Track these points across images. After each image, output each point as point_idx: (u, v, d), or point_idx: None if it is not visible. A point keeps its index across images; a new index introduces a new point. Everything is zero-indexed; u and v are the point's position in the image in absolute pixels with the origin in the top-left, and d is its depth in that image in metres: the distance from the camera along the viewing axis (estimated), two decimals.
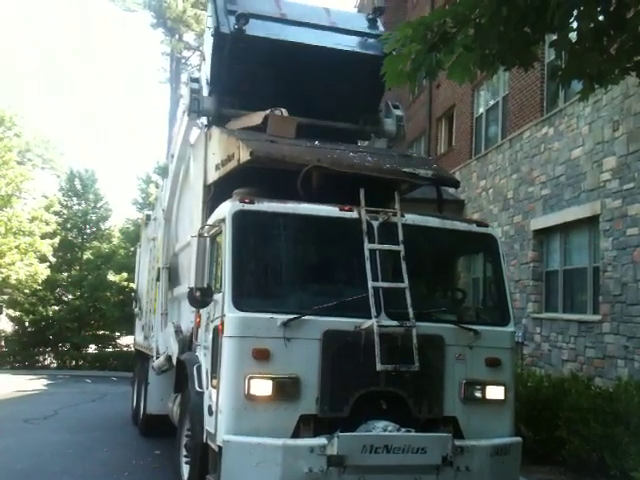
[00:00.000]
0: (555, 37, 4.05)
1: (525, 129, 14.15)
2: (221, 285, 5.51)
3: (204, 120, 7.78)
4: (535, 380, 8.84)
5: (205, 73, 8.16)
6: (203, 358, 6.04)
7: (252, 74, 7.40)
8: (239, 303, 5.28)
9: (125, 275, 25.29)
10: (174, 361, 7.50)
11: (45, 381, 19.93)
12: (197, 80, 7.80)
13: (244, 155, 6.09)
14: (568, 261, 12.53)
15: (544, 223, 13.03)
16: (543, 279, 13.26)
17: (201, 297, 5.68)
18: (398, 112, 8.28)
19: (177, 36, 35.64)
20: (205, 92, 7.85)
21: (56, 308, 26.43)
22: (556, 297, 12.69)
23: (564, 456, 7.61)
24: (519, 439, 5.85)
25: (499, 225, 14.78)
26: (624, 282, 10.22)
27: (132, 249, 23.80)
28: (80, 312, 25.98)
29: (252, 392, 5.07)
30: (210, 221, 6.22)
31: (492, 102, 16.77)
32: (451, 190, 16.11)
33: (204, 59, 8.61)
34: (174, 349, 7.48)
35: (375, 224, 5.75)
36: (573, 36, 4.06)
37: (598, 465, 7.19)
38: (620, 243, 10.42)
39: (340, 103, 7.59)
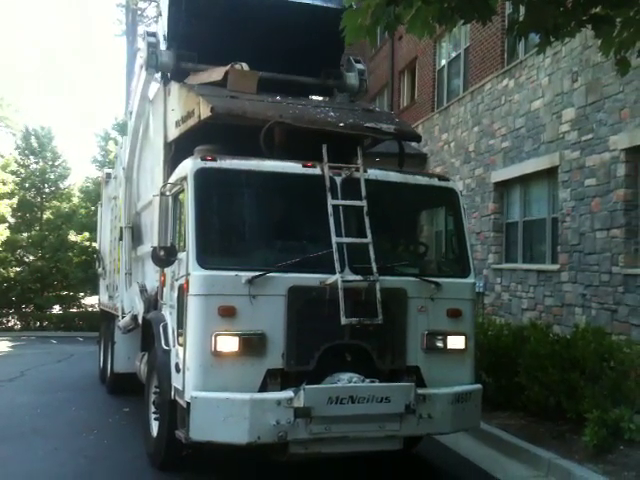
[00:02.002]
0: None
1: (486, 81, 14.21)
2: (185, 244, 5.50)
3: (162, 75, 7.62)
4: (495, 329, 9.06)
5: (162, 27, 7.94)
6: (169, 317, 6.07)
7: (211, 28, 7.24)
8: (203, 261, 5.28)
9: (87, 235, 24.91)
10: (140, 320, 7.51)
11: (9, 343, 19.73)
12: (154, 34, 7.58)
13: (204, 111, 6.01)
14: (528, 212, 12.77)
15: (504, 175, 13.21)
16: (503, 230, 13.52)
17: (165, 256, 5.67)
18: (360, 66, 8.20)
19: None
20: (163, 46, 7.62)
21: (17, 269, 25.98)
22: (516, 248, 12.97)
23: (523, 401, 7.86)
24: (479, 386, 6.04)
25: (461, 178, 14.93)
26: (582, 232, 10.48)
27: (93, 208, 23.41)
28: (42, 273, 25.59)
29: (219, 349, 5.13)
30: (172, 179, 6.16)
31: (454, 54, 16.75)
32: (414, 144, 16.22)
33: (161, 13, 8.39)
34: (139, 308, 7.47)
35: (338, 180, 5.76)
36: None
37: (556, 409, 7.45)
38: (578, 194, 10.64)
39: (301, 57, 7.49)
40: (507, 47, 13.58)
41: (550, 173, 11.65)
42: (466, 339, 5.91)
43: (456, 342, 5.85)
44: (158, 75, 7.59)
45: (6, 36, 63.35)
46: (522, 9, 4.25)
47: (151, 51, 7.28)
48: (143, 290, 7.43)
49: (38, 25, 71.19)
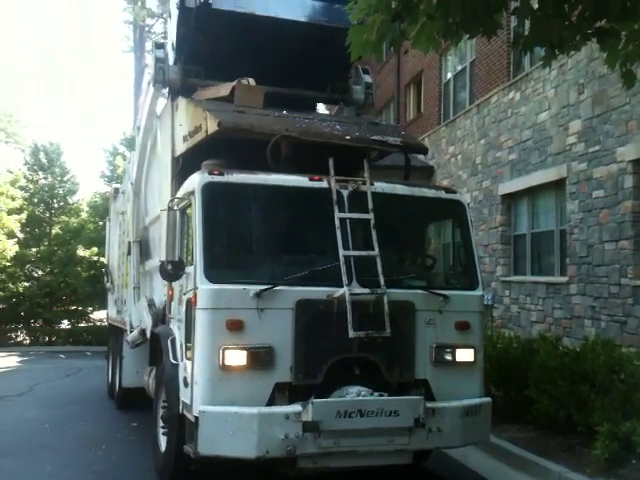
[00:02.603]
0: (517, 4, 4.08)
1: (492, 94, 14.23)
2: (192, 258, 5.52)
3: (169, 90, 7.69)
4: (504, 341, 9.03)
5: (171, 41, 8.05)
6: (177, 331, 6.07)
7: (218, 45, 7.32)
8: (211, 275, 5.30)
9: (95, 250, 25.01)
10: (148, 334, 7.52)
11: (18, 358, 19.78)
12: (162, 46, 7.67)
13: (212, 126, 6.05)
14: (535, 224, 12.74)
15: (512, 187, 13.19)
16: (511, 243, 13.48)
17: (173, 270, 5.70)
18: (368, 78, 8.22)
19: (140, 3, 34.81)
20: (171, 61, 7.75)
21: (26, 284, 26.07)
22: (524, 260, 12.92)
23: (533, 414, 7.80)
24: (489, 399, 6.01)
25: (468, 190, 14.92)
26: (590, 244, 10.44)
27: (101, 223, 23.50)
28: (51, 288, 25.68)
29: (227, 363, 5.13)
30: (179, 194, 6.20)
31: (460, 67, 16.79)
32: (420, 156, 16.25)
33: (169, 29, 8.46)
34: (148, 322, 7.48)
35: (345, 193, 5.78)
36: (535, 3, 4.09)
37: (566, 422, 7.39)
38: (586, 205, 10.61)
39: (307, 72, 7.55)
40: (513, 60, 13.60)
41: (558, 185, 11.63)
42: (475, 352, 5.89)
43: (465, 355, 5.83)
44: (165, 91, 7.66)
45: (6, 36, 63.75)
46: (527, 23, 4.26)
47: (159, 67, 7.37)
48: (151, 304, 7.45)
49: (38, 25, 71.57)
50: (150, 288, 8.15)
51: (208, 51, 7.39)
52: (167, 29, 8.32)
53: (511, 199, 13.49)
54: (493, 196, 13.96)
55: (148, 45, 34.90)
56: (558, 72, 11.56)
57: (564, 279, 11.17)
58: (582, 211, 10.72)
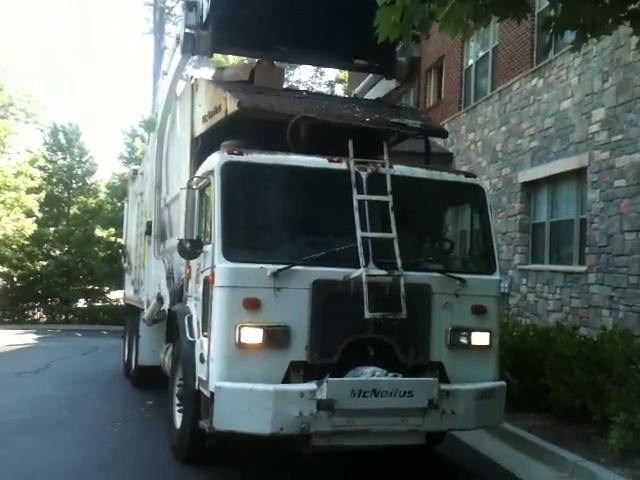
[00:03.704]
0: None
1: (514, 80, 14.07)
2: (211, 236, 5.54)
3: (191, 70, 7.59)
4: (521, 330, 8.99)
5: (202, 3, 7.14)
6: (194, 308, 6.11)
7: (254, 10, 6.77)
8: (229, 254, 5.31)
9: (112, 230, 25.21)
10: (165, 303, 7.52)
11: (35, 335, 20.01)
12: (194, 6, 6.89)
13: (231, 106, 6.04)
14: (555, 213, 12.62)
15: (532, 175, 13.07)
16: (530, 231, 13.37)
17: (191, 248, 5.71)
18: (415, 52, 7.90)
19: None
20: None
21: (44, 263, 26.37)
22: (542, 249, 12.82)
23: (549, 403, 7.77)
24: (503, 383, 5.99)
25: (487, 178, 14.79)
26: (610, 233, 10.33)
27: (119, 204, 23.66)
28: (68, 267, 25.92)
29: (243, 340, 5.15)
30: (199, 173, 6.21)
31: (482, 53, 16.61)
32: (440, 143, 16.15)
33: None
34: (164, 289, 7.49)
35: (364, 175, 5.76)
36: None
37: (581, 411, 7.35)
38: (607, 195, 10.49)
39: (348, 39, 7.27)
40: (536, 46, 13.43)
41: (579, 174, 11.50)
42: (491, 336, 5.86)
43: (480, 339, 5.80)
44: (190, 67, 7.53)
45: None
46: (558, 6, 4.19)
47: (188, 33, 6.83)
48: (170, 277, 7.44)
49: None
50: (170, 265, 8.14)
51: (242, 17, 6.84)
52: None
53: (531, 187, 13.37)
54: (513, 184, 13.85)
55: (168, 27, 34.93)
56: (582, 59, 11.40)
57: (583, 268, 11.07)
58: (603, 200, 10.60)
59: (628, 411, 6.36)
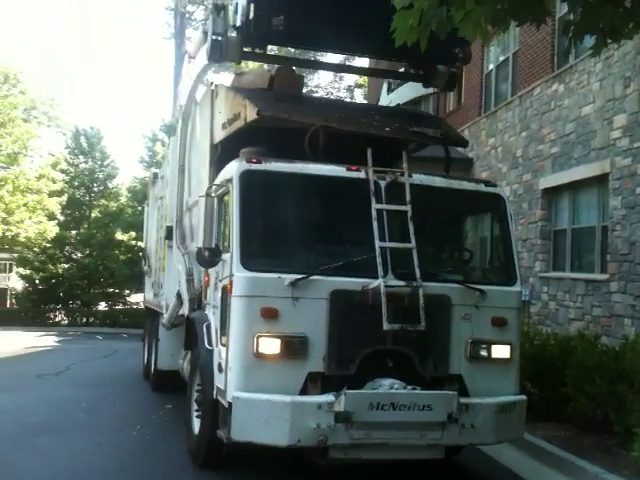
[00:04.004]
0: None
1: (535, 86, 13.95)
2: (229, 245, 5.54)
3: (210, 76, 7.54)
4: (541, 338, 8.89)
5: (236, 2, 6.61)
6: (212, 317, 6.12)
7: (298, 5, 6.32)
8: (247, 263, 5.31)
9: (133, 234, 25.41)
10: (185, 307, 7.49)
11: (56, 338, 20.23)
12: (223, 9, 6.43)
13: (250, 114, 6.05)
14: (576, 220, 12.48)
15: (553, 182, 12.94)
16: (551, 238, 13.24)
17: (209, 257, 5.72)
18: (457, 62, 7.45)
19: None
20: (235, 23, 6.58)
21: (66, 266, 26.69)
22: (564, 256, 12.69)
23: (569, 413, 7.67)
24: (524, 397, 5.92)
25: (507, 184, 14.69)
26: (632, 241, 10.20)
27: (139, 208, 23.85)
28: (89, 270, 26.21)
29: (260, 350, 5.15)
30: (217, 181, 6.22)
31: (502, 58, 16.49)
32: (460, 149, 16.05)
33: None
34: (184, 290, 7.49)
35: (382, 184, 5.73)
36: None
37: (602, 422, 7.25)
38: (629, 202, 10.36)
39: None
40: (557, 51, 13.31)
41: (600, 180, 11.37)
42: (511, 348, 5.80)
43: (501, 351, 5.74)
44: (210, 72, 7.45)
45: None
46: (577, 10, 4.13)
47: (216, 40, 6.44)
48: (190, 279, 7.40)
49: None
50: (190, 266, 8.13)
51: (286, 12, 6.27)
52: None
53: (552, 193, 13.24)
54: (533, 190, 13.72)
55: (189, 32, 35.12)
56: (604, 65, 11.28)
57: (604, 276, 10.94)
58: (625, 207, 10.46)
59: None
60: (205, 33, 6.80)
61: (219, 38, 6.43)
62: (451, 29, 4.17)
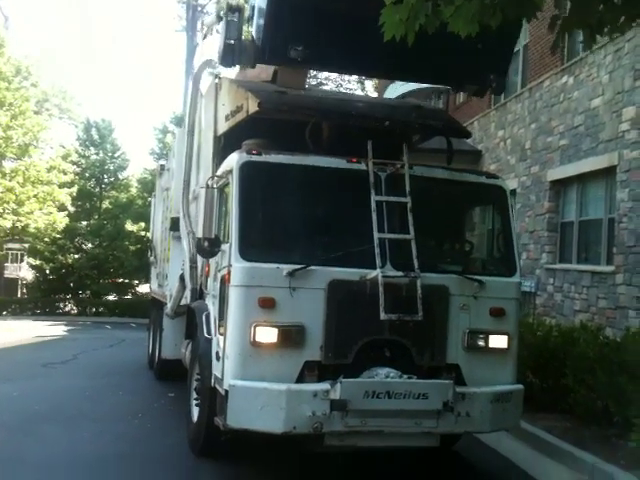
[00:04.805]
0: None
1: (545, 78, 13.88)
2: (228, 235, 5.59)
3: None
4: (544, 329, 8.90)
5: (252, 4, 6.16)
6: (212, 306, 6.18)
7: (324, 24, 5.63)
8: (246, 253, 5.35)
9: (143, 225, 25.56)
10: (187, 291, 7.53)
11: (65, 327, 20.39)
12: (238, 11, 5.88)
13: (252, 106, 6.07)
14: (584, 212, 12.43)
15: (561, 174, 12.89)
16: (558, 230, 13.20)
17: (209, 247, 5.77)
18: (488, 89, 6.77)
19: None
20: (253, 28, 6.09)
21: (76, 256, 26.88)
22: (570, 248, 12.65)
23: (570, 404, 7.68)
24: (520, 387, 5.94)
25: (516, 176, 14.65)
26: (639, 233, 10.16)
27: (149, 199, 23.95)
28: (99, 260, 26.39)
29: (257, 339, 5.19)
30: (218, 172, 6.27)
31: None
32: (468, 140, 16.00)
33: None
34: (187, 275, 7.52)
35: (382, 176, 5.75)
36: None
37: (602, 413, 7.26)
38: (636, 194, 10.31)
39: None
40: (567, 43, 13.23)
41: (608, 172, 11.31)
42: (509, 339, 5.81)
43: (498, 341, 5.76)
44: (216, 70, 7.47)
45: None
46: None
47: (228, 44, 5.90)
48: (194, 266, 7.38)
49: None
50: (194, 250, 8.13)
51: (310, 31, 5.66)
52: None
53: (560, 185, 13.19)
54: (541, 182, 13.67)
55: (200, 24, 35.08)
56: (613, 57, 11.20)
57: (610, 268, 10.90)
58: (632, 200, 10.41)
59: None
60: (219, 18, 6.21)
61: (232, 42, 5.89)
62: (476, 49, 4.07)
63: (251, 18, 6.09)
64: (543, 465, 6.61)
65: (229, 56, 5.90)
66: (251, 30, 6.07)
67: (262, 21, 5.72)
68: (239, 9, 5.91)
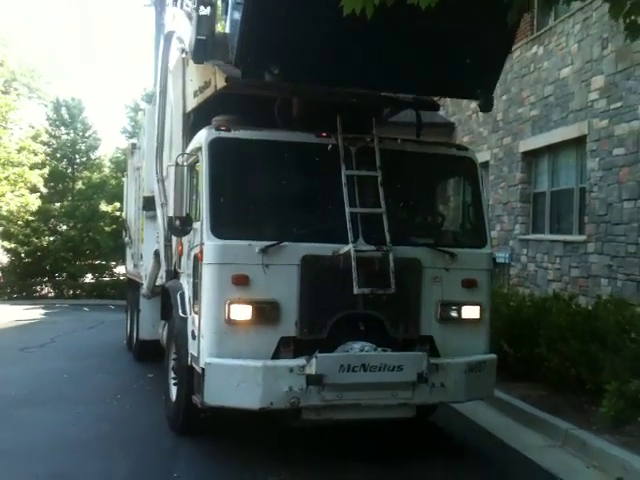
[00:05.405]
0: None
1: (515, 48, 13.84)
2: (200, 213, 5.56)
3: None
4: (517, 300, 9.01)
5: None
6: (186, 285, 6.16)
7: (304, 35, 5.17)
8: (217, 231, 5.34)
9: (117, 205, 25.26)
10: (162, 269, 7.51)
11: (43, 310, 20.19)
12: (210, 4, 5.54)
13: (220, 81, 6.00)
14: (555, 182, 12.54)
15: (533, 145, 12.96)
16: (531, 201, 13.30)
17: (181, 226, 5.75)
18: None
19: None
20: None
21: (51, 239, 26.49)
22: (543, 218, 12.77)
23: (544, 372, 7.83)
24: (493, 356, 6.04)
25: (488, 148, 14.70)
26: (609, 202, 10.28)
27: (122, 179, 23.69)
28: (74, 242, 26.06)
29: (232, 317, 5.21)
30: (188, 150, 6.21)
31: None
32: (441, 113, 16.01)
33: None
34: (161, 252, 7.50)
35: (353, 150, 5.75)
36: None
37: (576, 381, 7.41)
38: (606, 163, 10.41)
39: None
40: (537, 12, 13.22)
41: (578, 142, 11.40)
42: (481, 309, 5.90)
43: (471, 312, 5.84)
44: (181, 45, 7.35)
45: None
46: None
47: (199, 40, 5.57)
48: (168, 245, 7.30)
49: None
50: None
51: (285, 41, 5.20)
52: None
53: (532, 156, 13.27)
54: (513, 153, 13.74)
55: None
56: (582, 26, 11.23)
57: (582, 238, 11.04)
58: (602, 169, 10.52)
59: (620, 379, 6.40)
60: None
61: (204, 37, 5.55)
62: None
63: (225, 13, 5.88)
64: (518, 433, 6.75)
65: (201, 52, 5.63)
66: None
67: (237, 15, 5.37)
68: (211, 3, 5.61)
